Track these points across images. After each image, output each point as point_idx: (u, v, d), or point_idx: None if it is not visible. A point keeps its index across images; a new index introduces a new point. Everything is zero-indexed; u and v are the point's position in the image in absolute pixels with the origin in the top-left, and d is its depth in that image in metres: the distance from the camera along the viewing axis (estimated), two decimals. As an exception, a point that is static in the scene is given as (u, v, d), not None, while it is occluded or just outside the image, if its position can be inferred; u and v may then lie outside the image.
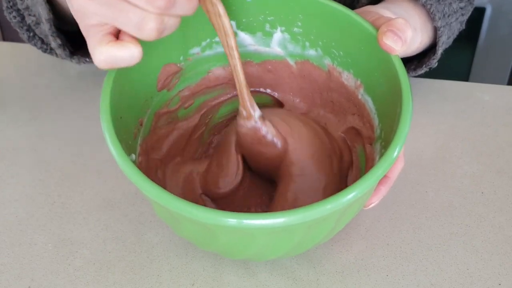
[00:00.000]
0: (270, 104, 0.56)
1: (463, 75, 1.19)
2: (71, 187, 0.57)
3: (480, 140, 0.62)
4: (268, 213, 0.36)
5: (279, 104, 0.56)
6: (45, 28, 0.54)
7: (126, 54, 0.39)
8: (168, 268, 0.50)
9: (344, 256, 0.51)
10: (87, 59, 0.56)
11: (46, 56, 0.63)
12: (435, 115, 0.65)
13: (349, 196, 0.37)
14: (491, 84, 0.70)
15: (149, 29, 0.38)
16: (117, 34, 0.40)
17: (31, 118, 0.65)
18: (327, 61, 0.51)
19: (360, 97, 0.50)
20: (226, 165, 0.51)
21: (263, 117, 0.49)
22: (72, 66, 0.71)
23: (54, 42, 0.56)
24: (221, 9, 0.43)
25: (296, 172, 0.49)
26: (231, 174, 0.51)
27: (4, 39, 1.31)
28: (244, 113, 0.48)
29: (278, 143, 0.50)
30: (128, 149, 0.40)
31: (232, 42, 0.44)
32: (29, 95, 0.68)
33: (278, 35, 0.51)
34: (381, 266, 0.50)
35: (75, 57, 0.57)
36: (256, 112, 0.48)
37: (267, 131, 0.49)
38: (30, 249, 0.52)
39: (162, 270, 0.50)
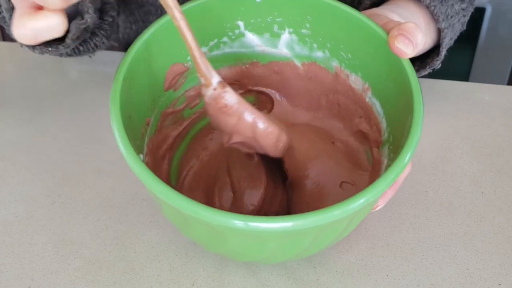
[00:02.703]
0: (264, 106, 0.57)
1: (463, 75, 1.19)
2: (71, 187, 0.57)
3: (480, 140, 0.62)
4: (276, 217, 0.36)
5: (270, 102, 0.56)
6: (6, 17, 0.53)
7: (45, 24, 0.38)
8: (168, 268, 0.50)
9: (344, 256, 0.51)
10: (50, 48, 0.54)
11: (46, 56, 0.63)
12: (435, 115, 0.65)
13: (359, 202, 0.37)
14: (491, 84, 0.70)
15: None
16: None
17: (31, 118, 0.65)
18: (335, 63, 0.51)
19: (367, 100, 0.50)
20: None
21: (222, 84, 0.45)
22: (72, 66, 0.71)
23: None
24: None
25: (311, 176, 0.50)
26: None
27: (4, 39, 1.32)
28: (202, 80, 0.45)
29: (247, 115, 0.45)
30: (136, 149, 0.40)
31: (169, 1, 0.41)
32: (29, 95, 0.68)
33: (285, 36, 0.51)
34: (381, 266, 0.50)
35: (37, 47, 0.55)
36: (214, 78, 0.44)
37: (228, 98, 0.45)
38: (30, 249, 0.52)
39: (162, 270, 0.50)
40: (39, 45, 0.51)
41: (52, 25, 0.38)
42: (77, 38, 0.51)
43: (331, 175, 0.51)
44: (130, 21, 0.65)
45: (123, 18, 0.67)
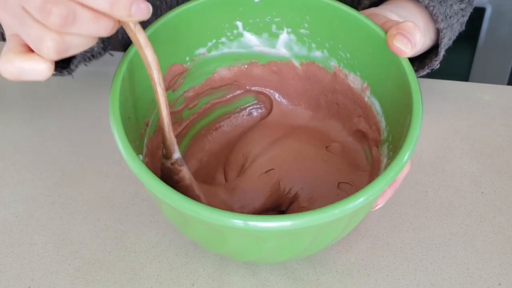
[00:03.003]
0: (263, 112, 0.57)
1: (463, 75, 1.19)
2: (71, 187, 0.57)
3: (480, 140, 0.62)
4: (275, 216, 0.36)
5: (270, 103, 0.56)
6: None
7: (31, 67, 0.37)
8: (168, 268, 0.50)
9: (344, 256, 0.51)
10: (54, 72, 0.54)
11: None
12: (435, 115, 0.65)
13: (358, 200, 0.37)
14: (491, 84, 0.70)
15: (46, 48, 0.36)
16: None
17: (31, 118, 0.65)
18: (333, 63, 0.51)
19: (366, 99, 0.50)
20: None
21: (179, 162, 0.45)
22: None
23: None
24: (141, 39, 0.39)
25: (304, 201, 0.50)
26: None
27: (4, 39, 1.32)
28: (164, 151, 0.46)
29: (195, 190, 0.47)
30: (136, 149, 0.40)
31: (155, 75, 0.41)
32: (29, 95, 0.68)
33: (284, 36, 0.51)
34: (381, 266, 0.50)
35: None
36: (175, 154, 0.45)
37: (183, 176, 0.46)
38: (30, 249, 0.52)
39: (162, 270, 0.50)
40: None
41: (39, 69, 0.38)
42: (79, 62, 0.51)
43: (327, 180, 0.51)
44: None
45: None
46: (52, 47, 0.36)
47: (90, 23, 0.36)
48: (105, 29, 0.37)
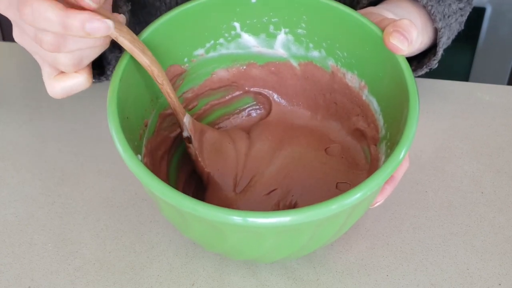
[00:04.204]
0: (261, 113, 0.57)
1: (463, 75, 1.19)
2: (71, 187, 0.57)
3: (480, 140, 0.62)
4: (274, 212, 0.36)
5: (268, 105, 0.56)
6: None
7: (72, 83, 0.42)
8: (168, 268, 0.50)
9: (344, 256, 0.51)
10: (93, 80, 0.57)
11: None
12: (435, 115, 0.65)
13: (355, 196, 0.37)
14: (491, 84, 0.70)
15: (63, 65, 0.41)
16: None
17: (31, 118, 0.65)
18: (331, 62, 0.51)
19: (364, 98, 0.50)
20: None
21: (187, 140, 0.50)
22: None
23: None
24: (125, 46, 0.43)
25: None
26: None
27: (4, 39, 1.32)
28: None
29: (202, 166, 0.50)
30: (134, 149, 0.40)
31: (152, 74, 0.45)
32: (29, 95, 0.68)
33: (281, 36, 0.51)
34: (381, 266, 0.50)
35: None
36: (184, 133, 0.50)
37: (190, 152, 0.51)
38: (30, 249, 0.52)
39: (162, 270, 0.50)
40: None
41: (78, 83, 0.43)
42: (114, 68, 0.54)
43: (325, 181, 0.51)
44: (134, 22, 0.65)
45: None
46: (67, 63, 0.41)
47: (80, 40, 0.40)
48: (98, 40, 0.41)
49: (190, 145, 0.50)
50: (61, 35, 0.38)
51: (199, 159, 0.50)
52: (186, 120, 0.49)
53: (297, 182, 0.51)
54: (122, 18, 0.44)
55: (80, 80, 0.43)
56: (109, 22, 0.38)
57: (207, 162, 0.50)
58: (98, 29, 0.38)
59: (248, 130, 0.56)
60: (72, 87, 0.43)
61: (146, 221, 0.54)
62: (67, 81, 0.42)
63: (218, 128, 0.57)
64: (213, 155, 0.51)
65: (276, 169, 0.52)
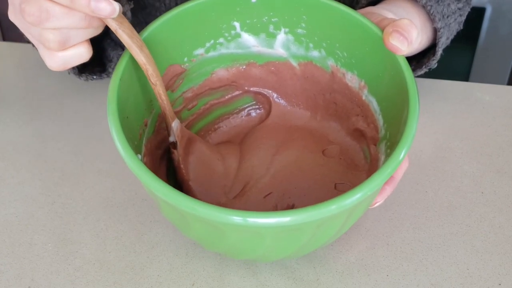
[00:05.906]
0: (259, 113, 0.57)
1: (463, 75, 1.19)
2: (71, 187, 0.57)
3: (480, 140, 0.62)
4: (274, 212, 0.36)
5: (268, 105, 0.56)
6: None
7: (73, 53, 0.42)
8: (168, 268, 0.50)
9: (344, 256, 0.51)
10: (94, 77, 0.57)
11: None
12: (435, 115, 0.65)
13: (355, 196, 0.37)
14: (491, 84, 0.70)
15: (47, 42, 0.41)
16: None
17: (31, 118, 0.65)
18: (331, 62, 0.51)
19: (364, 98, 0.50)
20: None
21: (172, 145, 0.50)
22: (72, 66, 0.71)
23: None
24: (124, 41, 0.43)
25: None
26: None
27: (4, 39, 1.32)
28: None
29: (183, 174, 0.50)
30: (134, 149, 0.40)
31: (146, 73, 0.44)
32: (29, 95, 0.68)
33: (281, 36, 0.51)
34: (381, 266, 0.50)
35: (83, 75, 0.57)
36: (170, 138, 0.49)
37: (173, 158, 0.50)
38: (30, 249, 0.52)
39: (162, 270, 0.50)
40: (84, 73, 0.57)
41: (79, 53, 0.42)
42: (115, 65, 0.54)
43: (324, 183, 0.51)
44: (134, 23, 0.66)
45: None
46: (52, 40, 0.40)
47: (64, 17, 0.39)
48: (83, 21, 0.40)
49: (175, 150, 0.49)
50: (46, 11, 0.38)
51: (182, 166, 0.50)
52: (175, 125, 0.48)
53: (294, 184, 0.51)
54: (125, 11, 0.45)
55: (81, 50, 0.42)
56: (116, 6, 0.39)
57: (191, 174, 0.50)
58: (104, 9, 0.38)
59: (246, 133, 0.56)
60: (72, 57, 0.43)
61: (146, 221, 0.54)
62: (68, 50, 0.42)
63: (218, 128, 0.57)
64: (198, 168, 0.51)
65: (272, 174, 0.52)
